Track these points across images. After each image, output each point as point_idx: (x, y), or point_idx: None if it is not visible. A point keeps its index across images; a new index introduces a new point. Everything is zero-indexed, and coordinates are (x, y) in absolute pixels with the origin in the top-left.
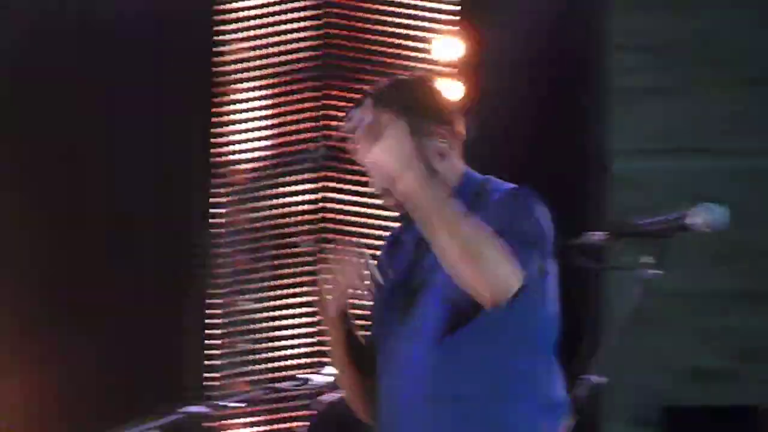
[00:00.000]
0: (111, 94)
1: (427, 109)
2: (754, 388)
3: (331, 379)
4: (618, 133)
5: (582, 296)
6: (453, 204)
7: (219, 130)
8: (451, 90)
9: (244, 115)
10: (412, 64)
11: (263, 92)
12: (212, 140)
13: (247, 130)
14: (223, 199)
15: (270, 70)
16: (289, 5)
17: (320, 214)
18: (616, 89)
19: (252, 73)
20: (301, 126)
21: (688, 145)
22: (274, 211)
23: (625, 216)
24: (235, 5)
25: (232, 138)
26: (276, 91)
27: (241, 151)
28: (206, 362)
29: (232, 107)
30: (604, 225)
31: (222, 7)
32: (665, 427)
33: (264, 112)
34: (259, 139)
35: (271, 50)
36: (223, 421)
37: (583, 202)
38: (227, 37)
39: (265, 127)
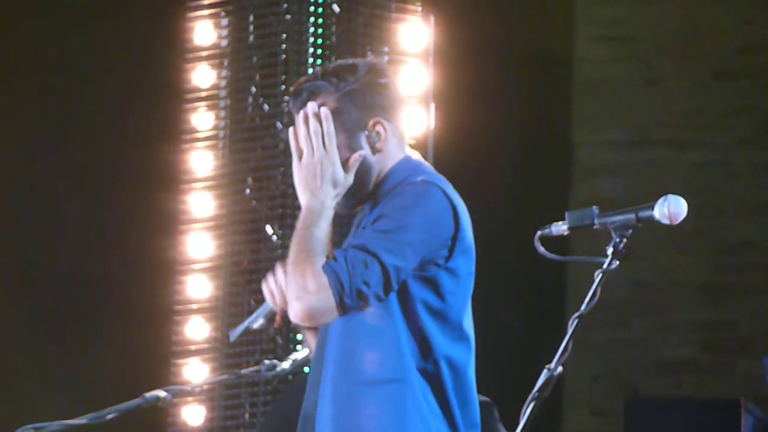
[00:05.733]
0: None
1: (369, 100)
2: (715, 379)
3: (297, 365)
4: (584, 124)
5: (545, 287)
6: (316, 236)
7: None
8: (415, 79)
9: None
10: (378, 51)
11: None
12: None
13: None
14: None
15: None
16: None
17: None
18: (582, 80)
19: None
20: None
21: (654, 137)
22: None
23: (589, 207)
24: None
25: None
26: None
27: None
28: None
29: None
30: (568, 216)
31: None
32: (627, 418)
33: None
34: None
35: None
36: (184, 407)
37: (547, 192)
38: None
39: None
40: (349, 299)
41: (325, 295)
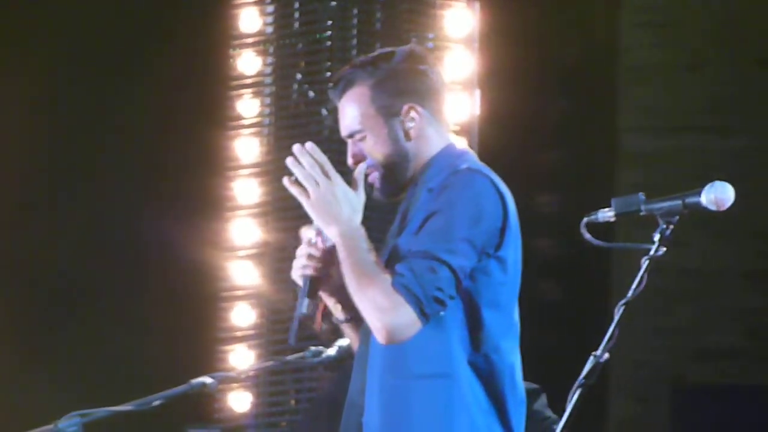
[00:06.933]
0: None
1: (402, 86)
2: (759, 367)
3: (343, 351)
4: (628, 111)
5: (591, 274)
6: (366, 259)
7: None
8: (460, 65)
9: None
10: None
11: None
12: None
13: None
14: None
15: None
16: None
17: None
18: (626, 66)
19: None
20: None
21: (698, 124)
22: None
23: (636, 193)
24: None
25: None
26: None
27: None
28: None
29: None
30: (614, 202)
31: None
32: (671, 405)
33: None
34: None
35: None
36: (230, 393)
37: (592, 179)
38: None
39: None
40: (428, 308)
41: (404, 311)
